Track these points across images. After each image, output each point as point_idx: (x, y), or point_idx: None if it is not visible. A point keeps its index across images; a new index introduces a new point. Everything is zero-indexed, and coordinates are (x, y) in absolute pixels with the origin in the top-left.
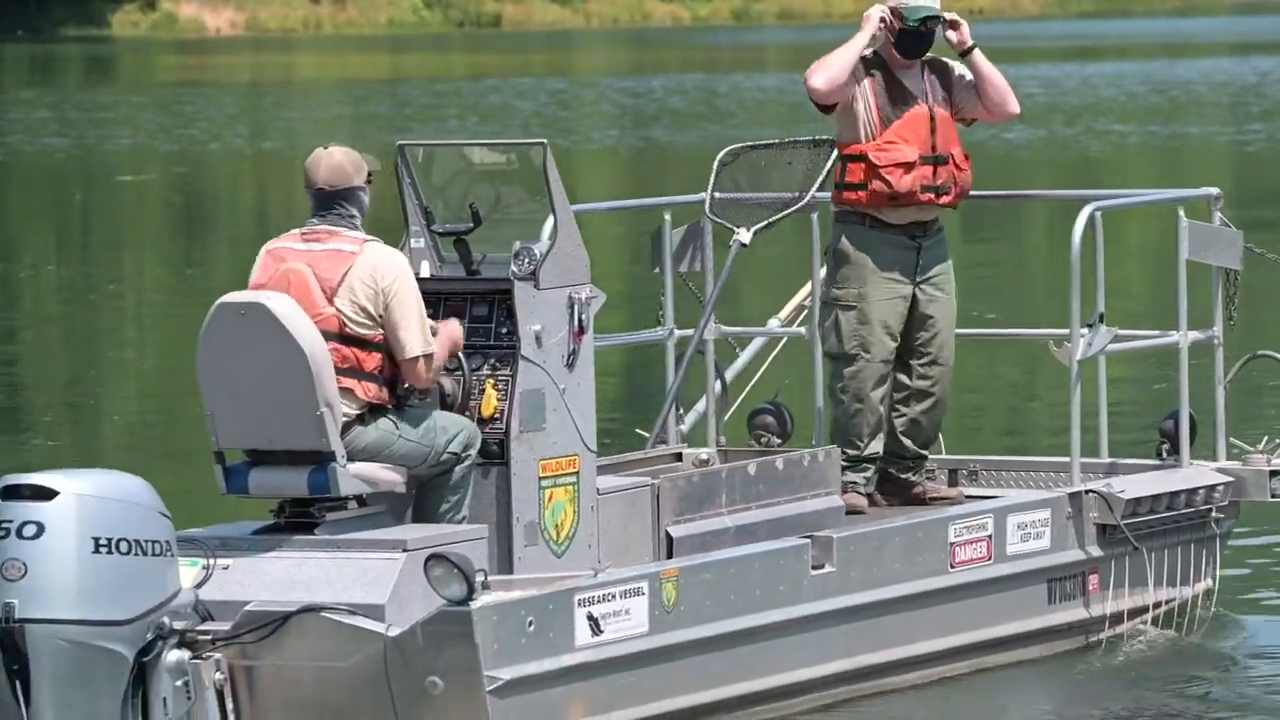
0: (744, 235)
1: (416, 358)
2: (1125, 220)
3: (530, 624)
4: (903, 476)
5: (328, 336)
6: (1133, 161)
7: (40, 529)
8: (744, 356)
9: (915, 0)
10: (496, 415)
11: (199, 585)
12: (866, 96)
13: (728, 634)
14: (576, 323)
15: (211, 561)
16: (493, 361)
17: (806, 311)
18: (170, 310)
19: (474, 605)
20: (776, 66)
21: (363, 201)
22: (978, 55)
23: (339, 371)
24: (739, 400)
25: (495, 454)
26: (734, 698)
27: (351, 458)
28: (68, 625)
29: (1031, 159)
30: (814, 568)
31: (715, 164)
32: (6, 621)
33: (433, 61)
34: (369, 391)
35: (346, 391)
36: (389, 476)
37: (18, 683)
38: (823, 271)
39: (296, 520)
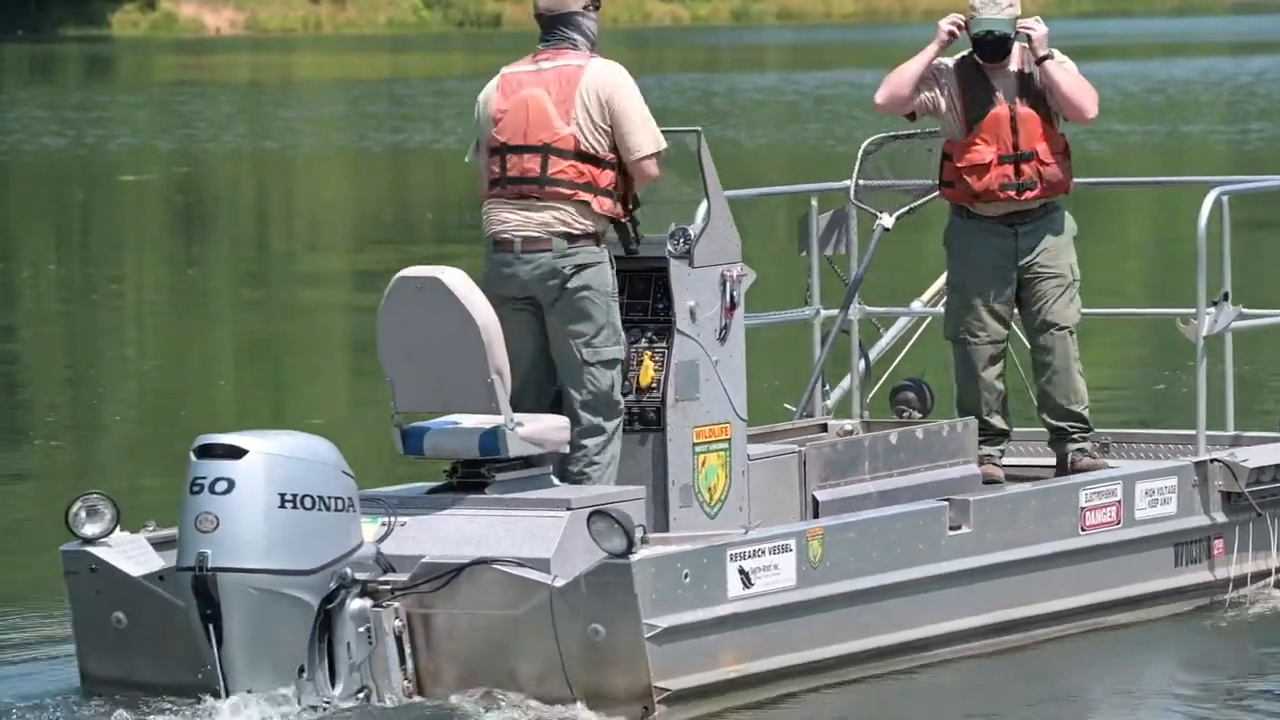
0: (887, 220)
1: (648, 156)
2: (1126, 211)
3: (685, 576)
4: (1052, 445)
5: (563, 155)
6: (1133, 160)
7: (231, 485)
8: (888, 336)
9: (982, 13)
10: (653, 385)
11: (380, 540)
12: (952, 99)
13: (869, 589)
14: (728, 298)
15: (391, 518)
16: (650, 335)
17: None
18: (171, 310)
19: (633, 558)
20: (776, 66)
21: (583, 26)
22: (1049, 64)
23: (576, 187)
24: (883, 378)
25: (652, 421)
26: (874, 649)
27: (570, 272)
28: (256, 574)
29: None
30: (951, 528)
31: (860, 152)
32: (200, 570)
33: (432, 61)
34: (604, 206)
35: (583, 205)
36: (555, 438)
37: (210, 626)
38: None
39: (468, 480)
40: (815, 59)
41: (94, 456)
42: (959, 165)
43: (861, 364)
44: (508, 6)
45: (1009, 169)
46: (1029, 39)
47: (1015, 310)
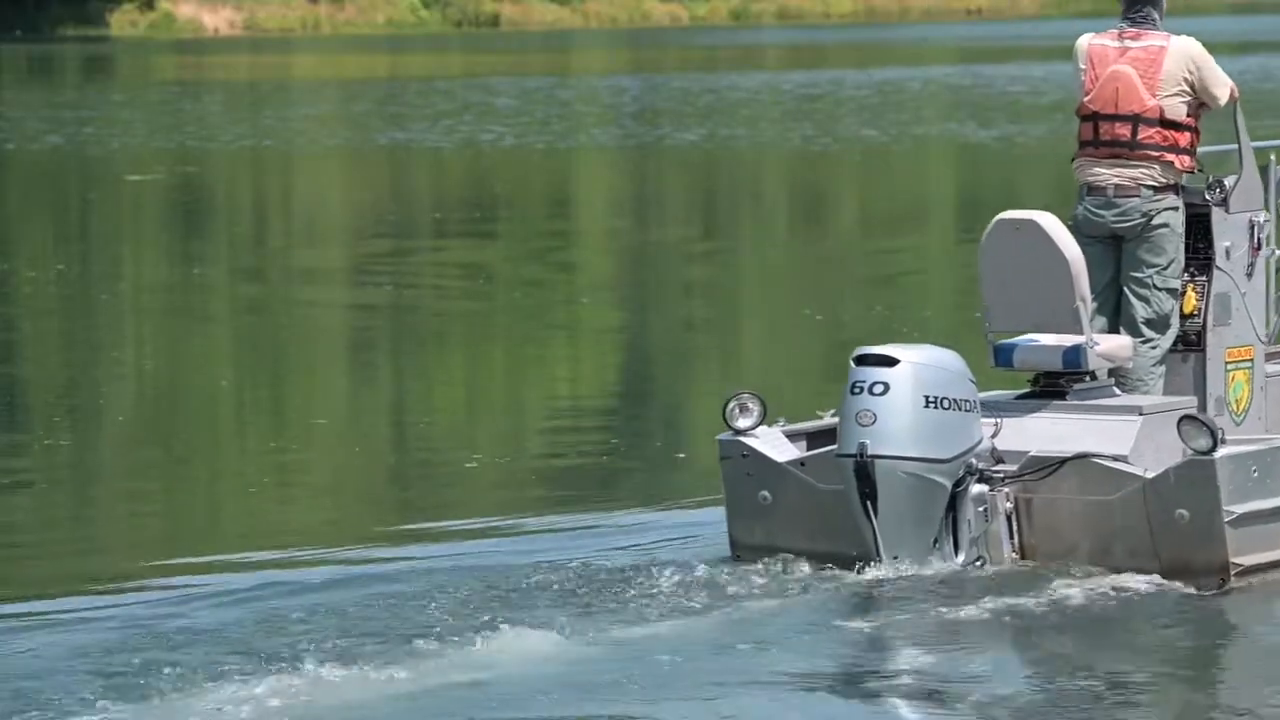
0: None
1: (1226, 100)
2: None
3: (1254, 471)
4: None
5: (1150, 124)
6: None
7: (886, 388)
8: None
9: None
10: (1195, 312)
11: (993, 436)
12: None
13: None
14: (1255, 240)
15: (998, 419)
16: (1191, 270)
17: None
18: (175, 308)
19: (1216, 455)
20: (775, 66)
21: (1161, 5)
22: None
23: (1162, 149)
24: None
25: (1194, 343)
26: None
27: (1153, 214)
28: (907, 461)
29: (1032, 155)
30: None
31: None
32: (861, 457)
33: (431, 61)
34: (1183, 163)
35: (1167, 164)
36: (1122, 355)
37: (868, 503)
38: None
39: (1049, 389)
40: (814, 59)
41: (94, 458)
42: None
43: None
44: (506, 6)
45: None
46: None
47: None
